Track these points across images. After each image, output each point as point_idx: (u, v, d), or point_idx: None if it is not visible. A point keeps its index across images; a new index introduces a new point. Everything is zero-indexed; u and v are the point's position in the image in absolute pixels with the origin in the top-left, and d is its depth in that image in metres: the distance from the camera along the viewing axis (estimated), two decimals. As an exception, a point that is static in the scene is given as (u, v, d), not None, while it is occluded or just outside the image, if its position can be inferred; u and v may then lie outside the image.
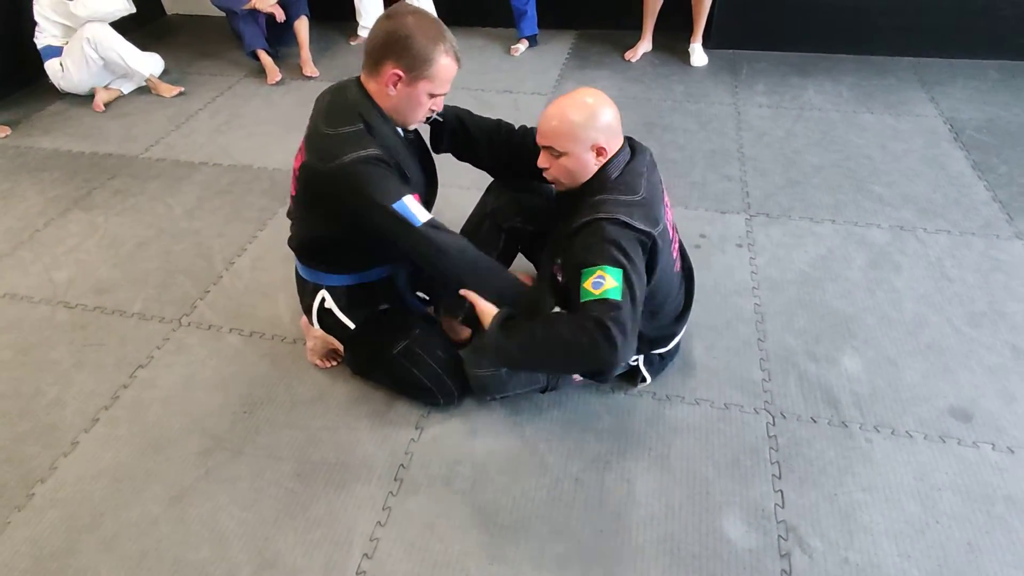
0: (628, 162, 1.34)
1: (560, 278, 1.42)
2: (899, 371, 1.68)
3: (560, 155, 1.31)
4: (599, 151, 1.29)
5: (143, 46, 3.42)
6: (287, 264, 2.14)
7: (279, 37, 3.58)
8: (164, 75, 3.47)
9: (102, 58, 3.13)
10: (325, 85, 3.30)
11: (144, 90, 3.40)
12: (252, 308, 1.99)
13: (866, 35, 3.22)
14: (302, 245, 1.52)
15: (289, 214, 1.53)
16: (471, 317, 1.72)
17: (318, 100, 1.41)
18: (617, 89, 3.13)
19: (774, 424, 1.57)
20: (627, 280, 1.20)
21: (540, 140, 1.33)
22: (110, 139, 3.00)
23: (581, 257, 1.24)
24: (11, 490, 1.51)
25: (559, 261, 1.39)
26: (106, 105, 3.26)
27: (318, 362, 1.76)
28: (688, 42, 3.35)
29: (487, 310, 1.33)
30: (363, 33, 3.85)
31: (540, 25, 3.56)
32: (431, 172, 1.54)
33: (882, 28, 3.18)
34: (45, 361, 1.85)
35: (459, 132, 1.55)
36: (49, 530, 1.42)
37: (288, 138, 2.92)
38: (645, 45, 3.43)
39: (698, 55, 3.31)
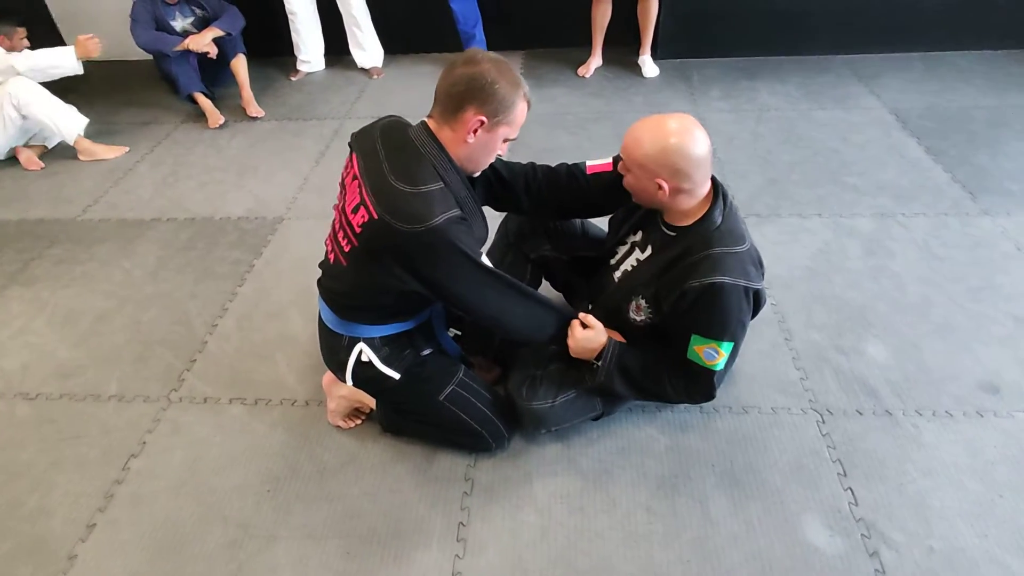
0: (726, 205, 1.32)
1: (638, 318, 1.40)
2: (922, 353, 1.73)
3: (628, 171, 1.31)
4: (659, 186, 1.25)
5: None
6: (278, 321, 1.98)
7: (214, 78, 3.37)
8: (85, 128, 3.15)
9: (23, 116, 2.81)
10: (272, 125, 3.22)
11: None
12: (250, 373, 1.81)
13: (803, 36, 3.40)
14: (344, 299, 1.38)
15: (327, 268, 1.40)
16: (502, 353, 1.65)
17: (369, 146, 1.27)
18: (581, 105, 3.14)
19: (824, 422, 1.57)
20: (734, 348, 1.32)
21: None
22: (39, 203, 2.69)
23: (699, 323, 1.29)
24: (5, 627, 1.28)
25: (641, 300, 1.37)
26: (41, 159, 2.96)
27: (341, 423, 1.61)
28: (637, 55, 3.42)
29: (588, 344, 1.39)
30: (303, 68, 3.69)
31: (489, 47, 3.54)
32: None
33: (816, 28, 3.37)
34: (15, 465, 1.59)
35: (493, 180, 1.46)
36: (64, 668, 1.21)
37: (244, 183, 2.73)
38: (596, 60, 3.48)
39: (649, 66, 3.39)
